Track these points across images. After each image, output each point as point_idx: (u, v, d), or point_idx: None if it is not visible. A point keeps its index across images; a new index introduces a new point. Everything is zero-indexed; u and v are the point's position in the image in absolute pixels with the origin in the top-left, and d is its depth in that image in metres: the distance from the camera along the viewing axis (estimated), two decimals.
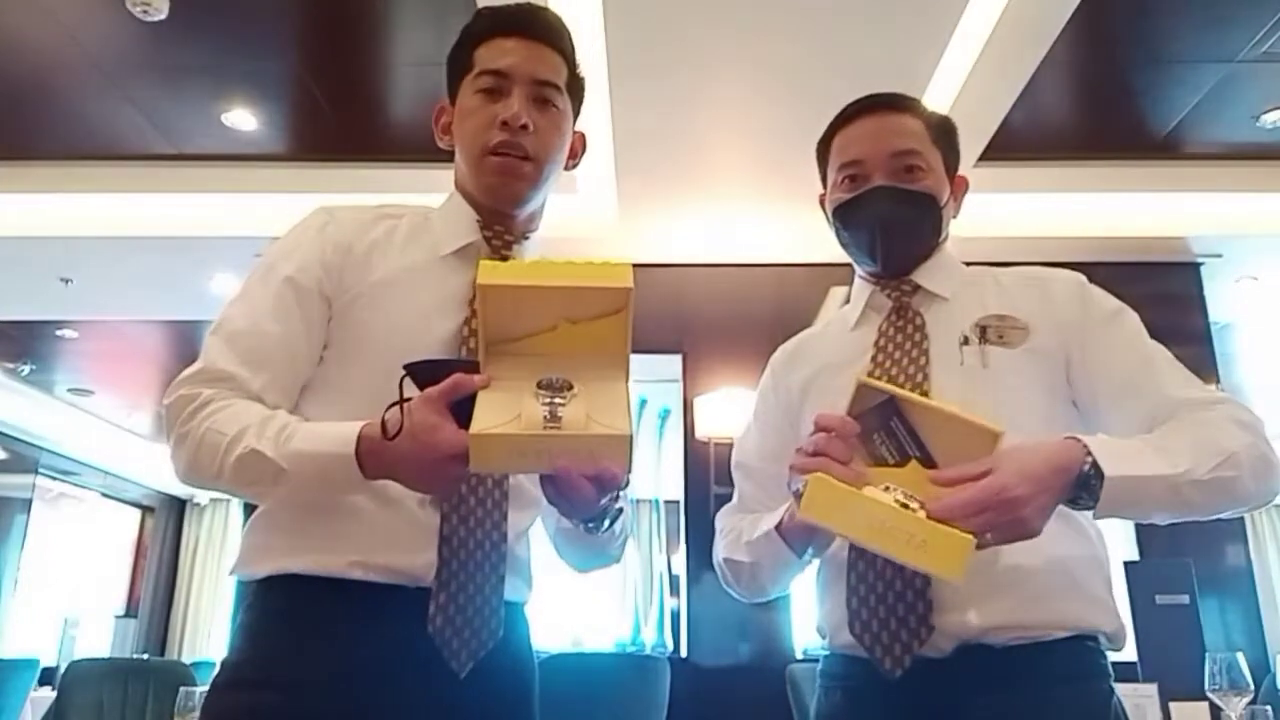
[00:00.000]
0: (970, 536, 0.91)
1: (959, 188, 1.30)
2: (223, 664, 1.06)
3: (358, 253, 1.12)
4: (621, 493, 1.00)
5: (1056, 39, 3.16)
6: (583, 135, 1.25)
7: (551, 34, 1.18)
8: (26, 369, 6.53)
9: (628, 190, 4.12)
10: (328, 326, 1.11)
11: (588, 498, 0.90)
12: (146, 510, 9.52)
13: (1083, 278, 1.25)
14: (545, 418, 0.88)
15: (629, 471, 0.91)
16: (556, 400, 0.90)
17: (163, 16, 3.17)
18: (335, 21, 3.32)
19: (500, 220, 1.17)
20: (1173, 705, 2.12)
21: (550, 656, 3.13)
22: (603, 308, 0.94)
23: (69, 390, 7.07)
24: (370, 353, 1.08)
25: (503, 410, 0.89)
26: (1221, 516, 1.07)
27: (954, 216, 1.30)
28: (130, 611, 9.08)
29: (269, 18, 3.29)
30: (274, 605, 1.05)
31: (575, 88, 1.21)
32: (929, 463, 1.02)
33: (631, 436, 0.89)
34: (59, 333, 5.84)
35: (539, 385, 0.91)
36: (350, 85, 3.71)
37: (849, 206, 1.24)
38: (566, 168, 1.22)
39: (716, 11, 3.07)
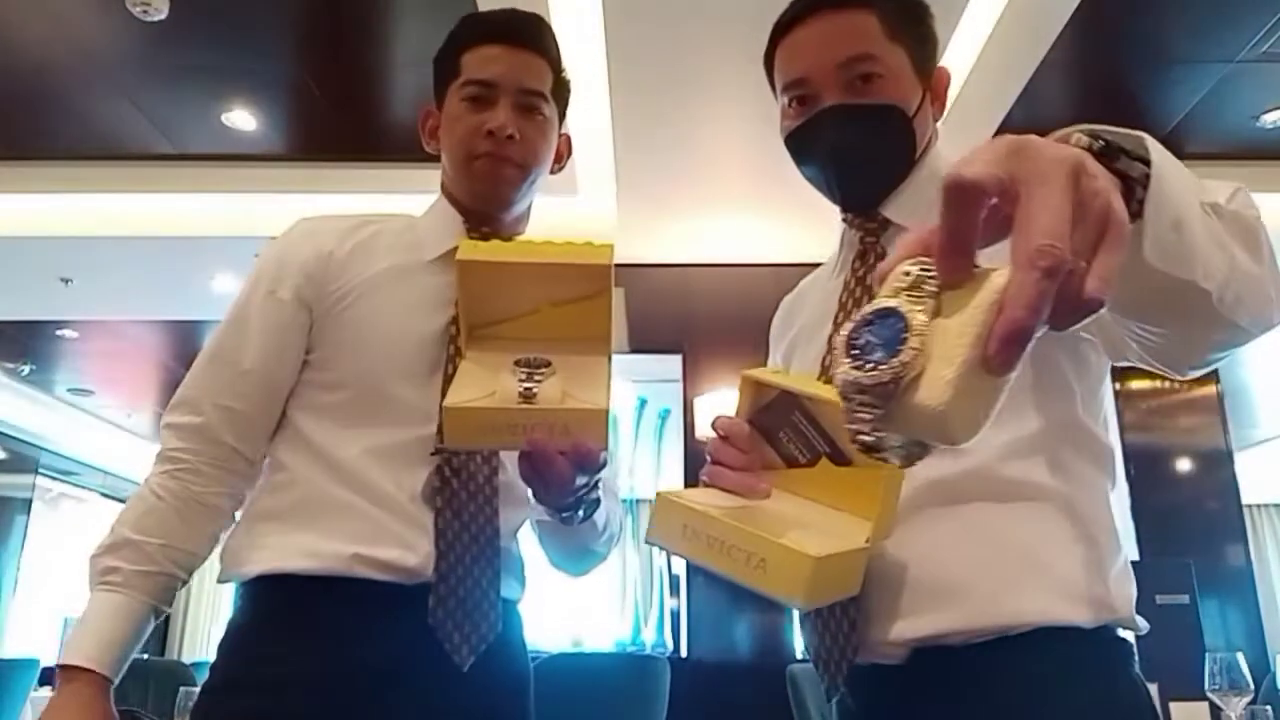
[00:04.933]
0: (812, 556, 0.74)
1: (939, 84, 1.06)
2: (213, 668, 1.05)
3: (339, 257, 1.14)
4: (599, 480, 1.00)
5: (1056, 39, 3.16)
6: (568, 138, 1.27)
7: (537, 41, 1.18)
8: (26, 369, 6.53)
9: (628, 191, 4.12)
10: (309, 334, 1.12)
11: (563, 475, 0.90)
12: None
13: None
14: (520, 393, 0.87)
15: (606, 449, 0.91)
16: (534, 376, 0.89)
17: (163, 16, 3.17)
18: (335, 21, 3.32)
19: (487, 222, 1.18)
20: (1173, 705, 2.12)
21: (550, 656, 3.12)
22: (583, 288, 0.93)
23: (69, 390, 7.06)
24: (353, 352, 1.09)
25: (479, 386, 0.89)
26: (1235, 334, 0.77)
27: (937, 119, 1.08)
28: None
29: (269, 18, 3.29)
30: (268, 606, 1.05)
31: (560, 92, 1.22)
32: (839, 459, 0.87)
33: (607, 411, 0.88)
34: (59, 333, 5.84)
35: (516, 363, 0.90)
36: (350, 85, 3.71)
37: (798, 135, 1.04)
38: (552, 171, 1.23)
39: (717, 14, 3.07)
